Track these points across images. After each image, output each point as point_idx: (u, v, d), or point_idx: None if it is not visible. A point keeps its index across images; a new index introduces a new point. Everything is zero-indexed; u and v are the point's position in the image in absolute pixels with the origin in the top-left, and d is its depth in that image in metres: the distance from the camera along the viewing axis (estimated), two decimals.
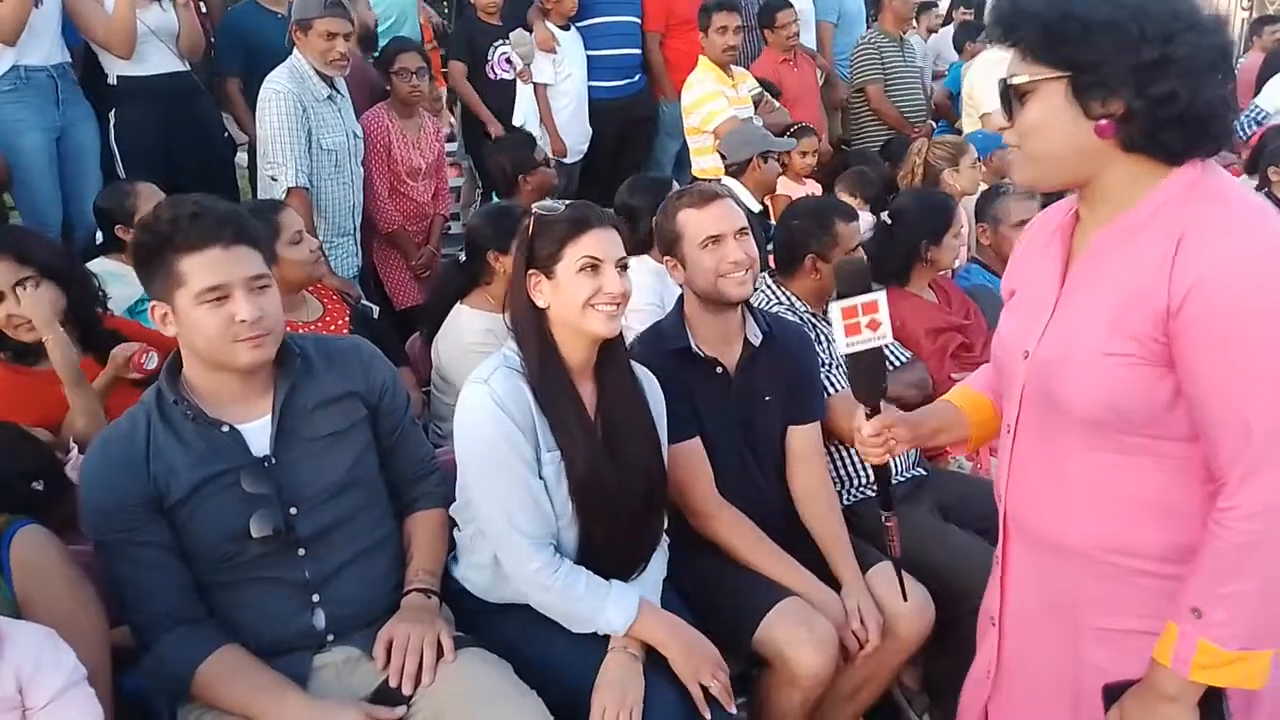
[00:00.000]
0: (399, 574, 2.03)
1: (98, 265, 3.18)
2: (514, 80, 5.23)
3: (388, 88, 4.41)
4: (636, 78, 5.62)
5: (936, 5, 8.82)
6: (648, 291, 3.16)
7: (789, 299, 2.78)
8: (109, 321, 2.70)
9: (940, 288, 3.38)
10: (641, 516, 2.05)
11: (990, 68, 5.44)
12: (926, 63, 7.16)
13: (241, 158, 5.03)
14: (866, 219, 3.44)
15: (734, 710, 1.97)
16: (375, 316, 3.52)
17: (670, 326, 2.39)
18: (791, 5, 5.56)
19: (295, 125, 3.69)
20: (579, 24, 5.37)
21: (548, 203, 2.05)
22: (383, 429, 2.05)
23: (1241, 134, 5.18)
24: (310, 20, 3.73)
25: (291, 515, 1.87)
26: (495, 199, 4.80)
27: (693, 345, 2.34)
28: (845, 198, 4.22)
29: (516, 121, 5.15)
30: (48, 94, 3.88)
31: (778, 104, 5.18)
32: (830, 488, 2.48)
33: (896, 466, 2.69)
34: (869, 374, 1.59)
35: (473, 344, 2.97)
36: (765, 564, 2.27)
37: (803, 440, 2.44)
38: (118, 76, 4.07)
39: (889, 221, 3.32)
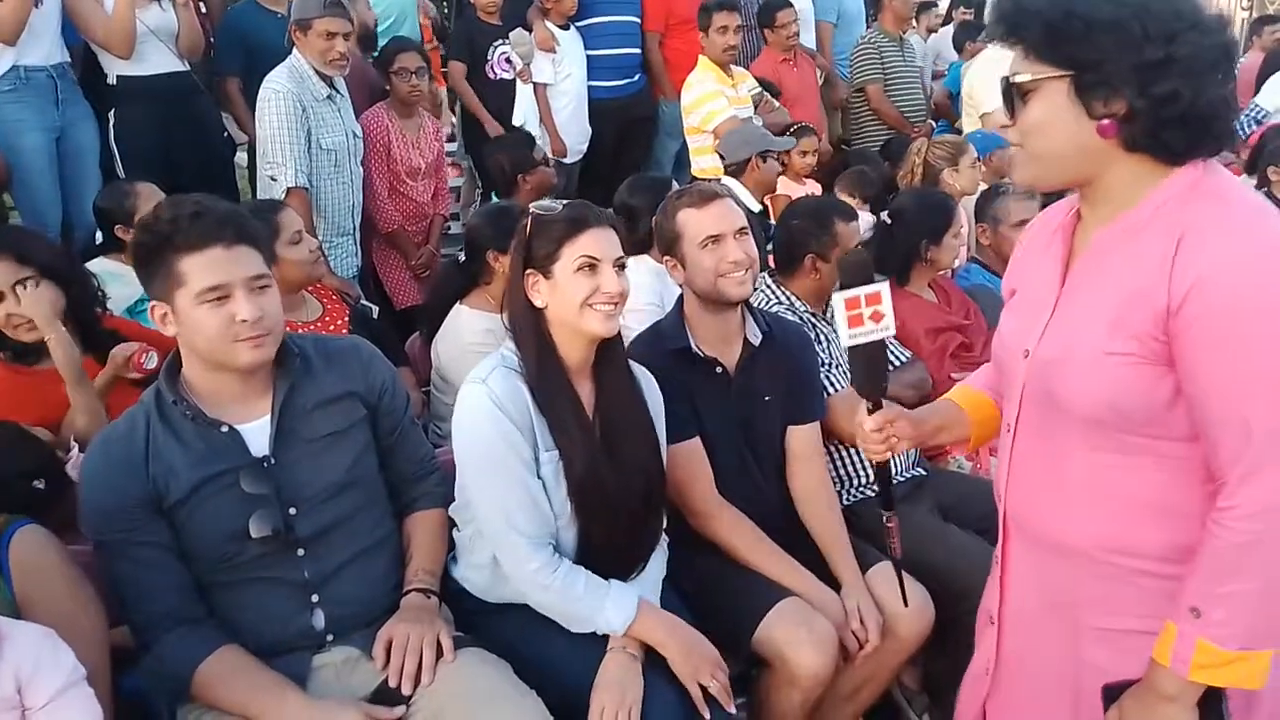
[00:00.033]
0: (398, 574, 2.03)
1: (97, 265, 3.18)
2: (514, 80, 5.24)
3: (387, 87, 4.41)
4: (636, 77, 5.62)
5: (936, 5, 8.81)
6: (647, 291, 3.16)
7: (789, 299, 2.78)
8: (108, 321, 2.70)
9: (940, 287, 3.39)
10: (640, 516, 2.05)
11: (990, 67, 5.44)
12: (926, 62, 7.16)
13: (241, 158, 5.03)
14: (866, 219, 3.44)
15: (733, 710, 1.97)
16: (375, 316, 3.52)
17: (670, 326, 2.39)
18: (791, 5, 5.56)
19: (295, 125, 3.69)
20: (578, 23, 5.37)
21: (545, 202, 2.05)
22: (382, 429, 2.05)
23: (1241, 133, 5.18)
24: (310, 20, 3.72)
25: (291, 515, 1.87)
26: (495, 199, 4.80)
27: (692, 345, 2.34)
28: (844, 198, 4.22)
29: (516, 121, 5.15)
30: (47, 94, 3.88)
31: (777, 104, 5.18)
32: (830, 488, 2.48)
33: (897, 466, 2.69)
34: (871, 367, 1.57)
35: (472, 344, 2.97)
36: (765, 564, 2.27)
37: (802, 440, 2.44)
38: (117, 76, 4.07)
39: (889, 221, 3.32)
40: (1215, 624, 1.31)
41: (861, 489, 2.67)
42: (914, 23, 7.38)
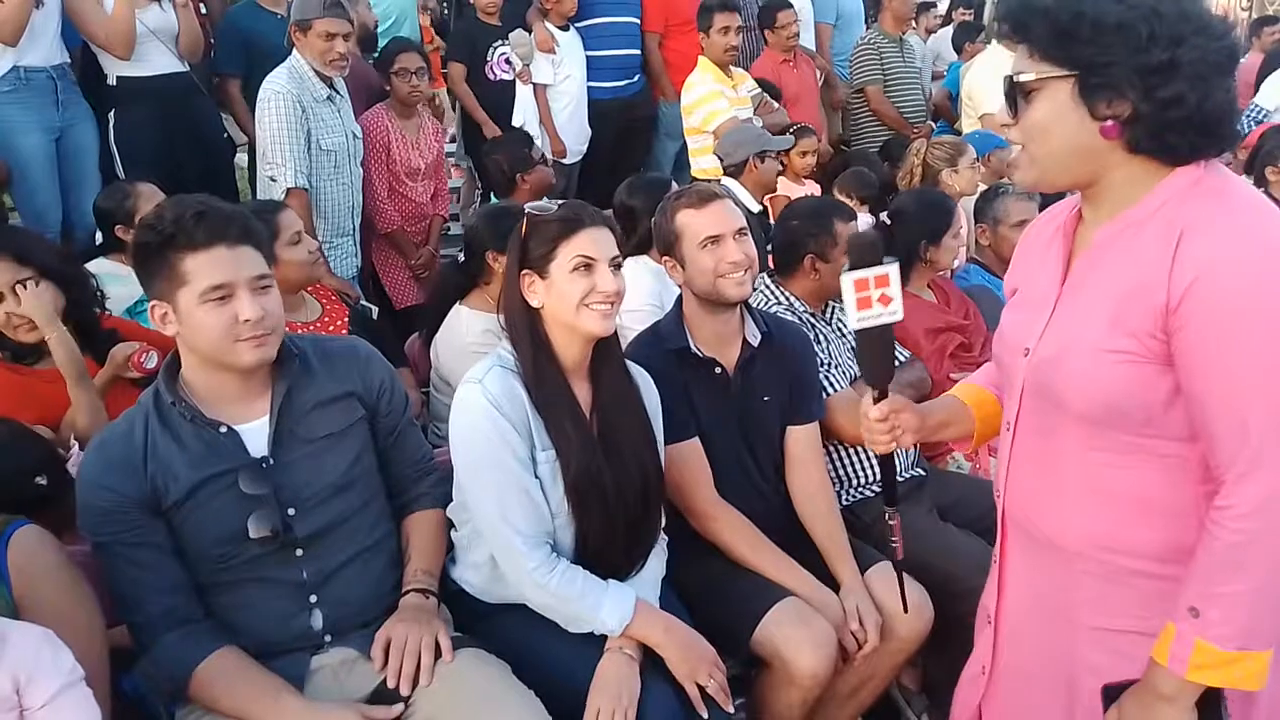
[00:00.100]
0: (397, 574, 2.03)
1: (97, 266, 3.19)
2: (513, 81, 5.24)
3: (387, 88, 4.41)
4: (636, 78, 5.62)
5: (935, 6, 8.82)
6: (646, 292, 3.16)
7: (788, 299, 2.78)
8: (107, 322, 2.71)
9: (939, 288, 3.39)
10: (638, 516, 2.05)
11: (989, 68, 5.45)
12: (926, 63, 7.16)
13: (241, 158, 5.03)
14: (865, 219, 3.44)
15: (731, 709, 1.97)
16: (374, 317, 3.52)
17: (669, 327, 2.39)
18: (791, 6, 5.56)
19: (294, 126, 3.69)
20: (578, 24, 5.37)
21: (540, 203, 2.05)
22: (381, 429, 2.05)
23: (1241, 133, 5.18)
24: (309, 21, 3.72)
25: (289, 516, 1.87)
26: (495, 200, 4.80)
27: (692, 345, 2.34)
28: (843, 198, 4.23)
29: (516, 122, 5.15)
30: (47, 95, 3.89)
31: (777, 105, 5.18)
32: (829, 488, 2.47)
33: (899, 463, 2.69)
34: (878, 352, 1.56)
35: (472, 344, 2.97)
36: (764, 564, 2.27)
37: (802, 440, 2.44)
38: (117, 77, 4.08)
39: (888, 222, 3.32)
40: (1213, 624, 1.31)
41: (861, 489, 2.67)
42: (913, 23, 7.38)
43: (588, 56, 5.40)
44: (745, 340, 2.37)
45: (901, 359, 3.02)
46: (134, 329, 2.74)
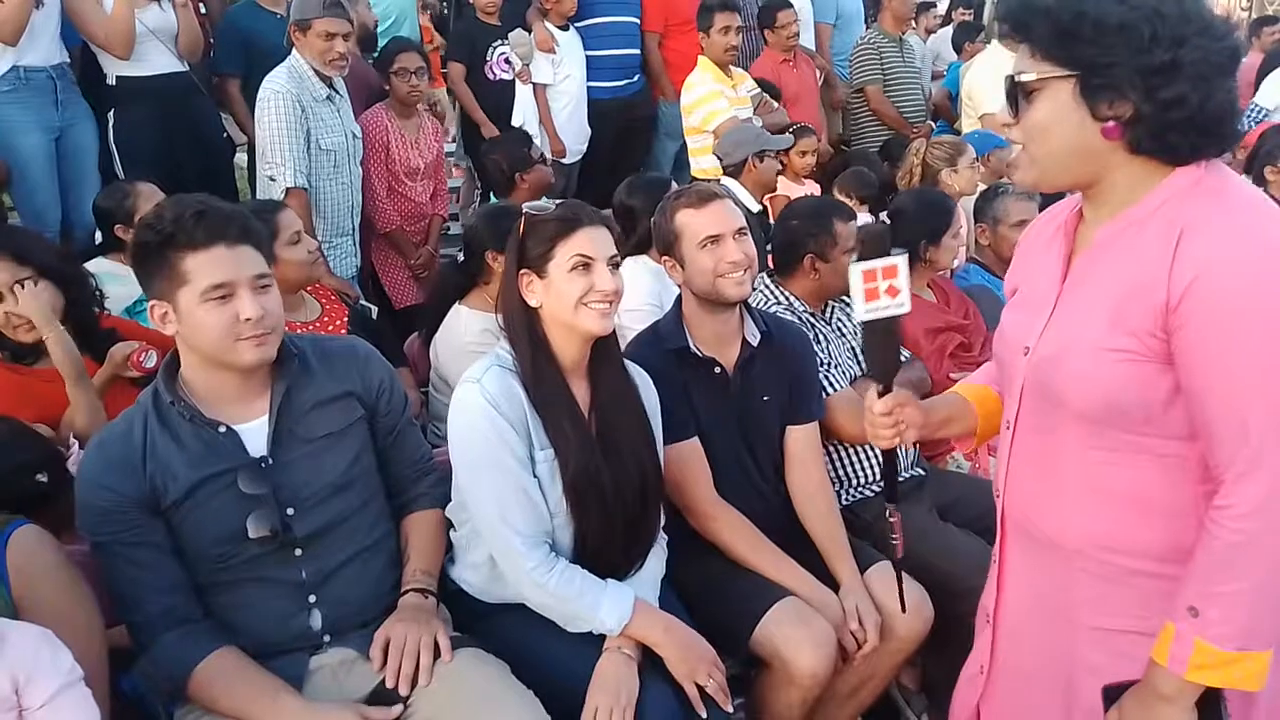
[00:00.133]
0: (396, 574, 2.03)
1: (96, 265, 3.19)
2: (513, 81, 5.23)
3: (386, 88, 4.41)
4: (635, 78, 5.62)
5: (935, 5, 8.82)
6: (646, 292, 3.16)
7: (787, 299, 2.78)
8: (106, 321, 2.71)
9: (939, 288, 3.39)
10: (636, 515, 2.05)
11: (989, 68, 5.44)
12: (925, 63, 7.16)
13: (240, 158, 5.03)
14: (864, 220, 3.44)
15: (730, 709, 1.97)
16: (374, 316, 3.52)
17: (668, 326, 2.39)
18: (791, 5, 5.56)
19: (294, 125, 3.69)
20: (578, 24, 5.37)
21: (538, 202, 2.05)
22: (380, 429, 2.05)
23: (1242, 133, 5.18)
24: (309, 20, 3.72)
25: (288, 516, 1.87)
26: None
27: (691, 345, 2.34)
28: (842, 198, 4.22)
29: (515, 122, 5.15)
30: (47, 94, 3.89)
31: (777, 105, 5.18)
32: (829, 488, 2.47)
33: (900, 460, 2.68)
34: (885, 345, 1.56)
35: (471, 344, 2.97)
36: (763, 564, 2.26)
37: (801, 440, 2.44)
38: (116, 77, 4.07)
39: (888, 222, 3.32)
40: (1212, 624, 1.31)
41: (860, 489, 2.67)
42: (913, 23, 7.38)
43: (587, 56, 5.40)
44: (745, 340, 2.37)
45: (901, 359, 3.02)
46: (133, 328, 2.75)
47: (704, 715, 1.93)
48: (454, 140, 5.85)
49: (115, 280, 2.99)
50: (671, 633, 1.98)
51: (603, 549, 2.02)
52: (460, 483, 2.03)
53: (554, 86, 5.30)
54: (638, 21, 5.54)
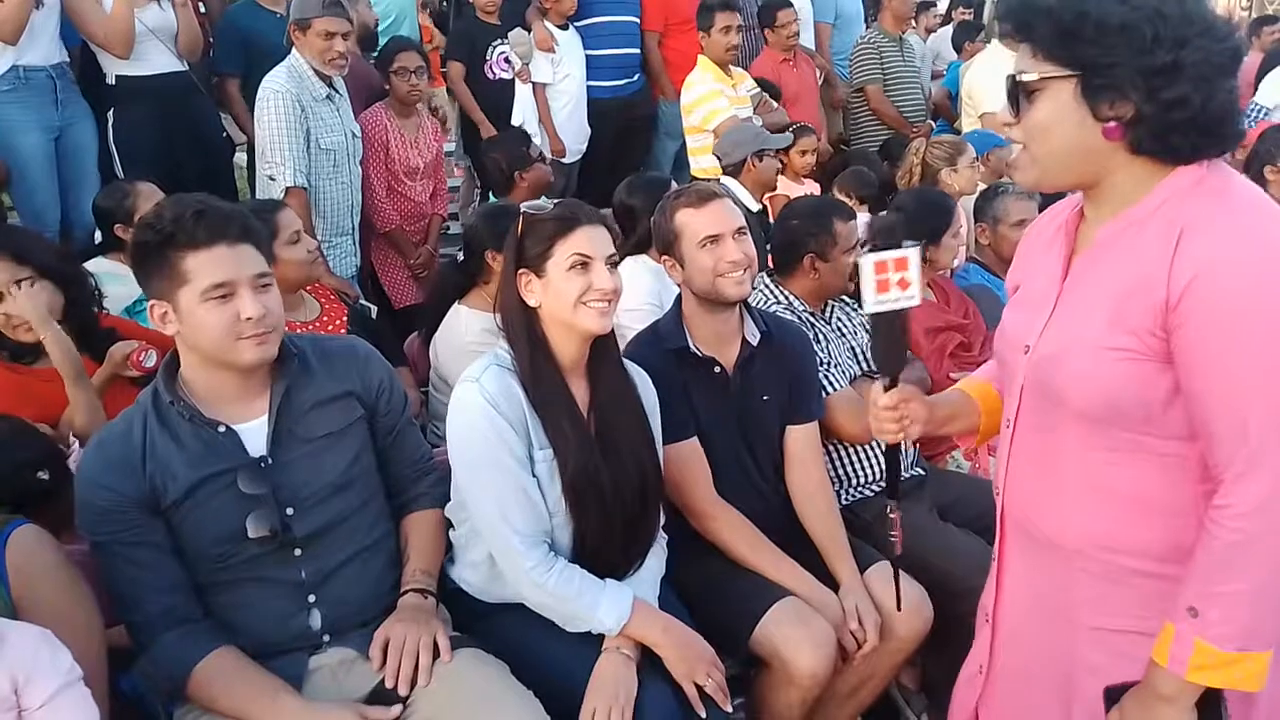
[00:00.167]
0: (395, 574, 2.03)
1: (95, 265, 3.19)
2: (513, 80, 5.23)
3: (386, 87, 4.41)
4: (635, 77, 5.62)
5: (935, 5, 8.82)
6: (645, 291, 3.16)
7: (787, 298, 2.78)
8: (106, 321, 2.71)
9: (939, 287, 3.39)
10: (635, 514, 2.05)
11: (989, 67, 5.44)
12: (925, 62, 7.15)
13: (240, 158, 5.03)
14: (864, 219, 3.44)
15: (730, 709, 1.97)
16: (373, 316, 3.52)
17: (668, 326, 2.39)
18: (792, 5, 5.56)
19: (294, 125, 3.69)
20: (578, 23, 5.37)
21: (536, 202, 2.06)
22: (380, 429, 2.05)
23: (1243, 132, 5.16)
24: (309, 19, 3.72)
25: (288, 516, 1.87)
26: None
27: (691, 345, 2.34)
28: (842, 198, 4.22)
29: (515, 121, 5.15)
30: (46, 94, 3.89)
31: (776, 104, 5.18)
32: (829, 488, 2.47)
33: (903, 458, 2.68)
34: (892, 338, 1.56)
35: (471, 344, 2.97)
36: (763, 564, 2.26)
37: (801, 440, 2.44)
38: (116, 76, 4.07)
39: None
40: (1212, 624, 1.31)
41: (860, 489, 2.67)
42: (913, 23, 7.38)
43: (587, 55, 5.40)
44: (744, 339, 2.37)
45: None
46: (132, 328, 2.75)
47: (703, 715, 1.93)
48: (454, 140, 5.85)
49: (115, 280, 2.99)
50: (670, 633, 1.98)
51: (601, 548, 2.02)
52: (459, 482, 2.03)
53: (554, 86, 5.30)
54: (637, 21, 5.54)
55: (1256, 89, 5.81)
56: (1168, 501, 1.40)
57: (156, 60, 4.11)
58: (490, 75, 5.25)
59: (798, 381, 2.43)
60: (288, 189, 3.68)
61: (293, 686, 1.82)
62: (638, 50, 5.58)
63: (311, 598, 1.91)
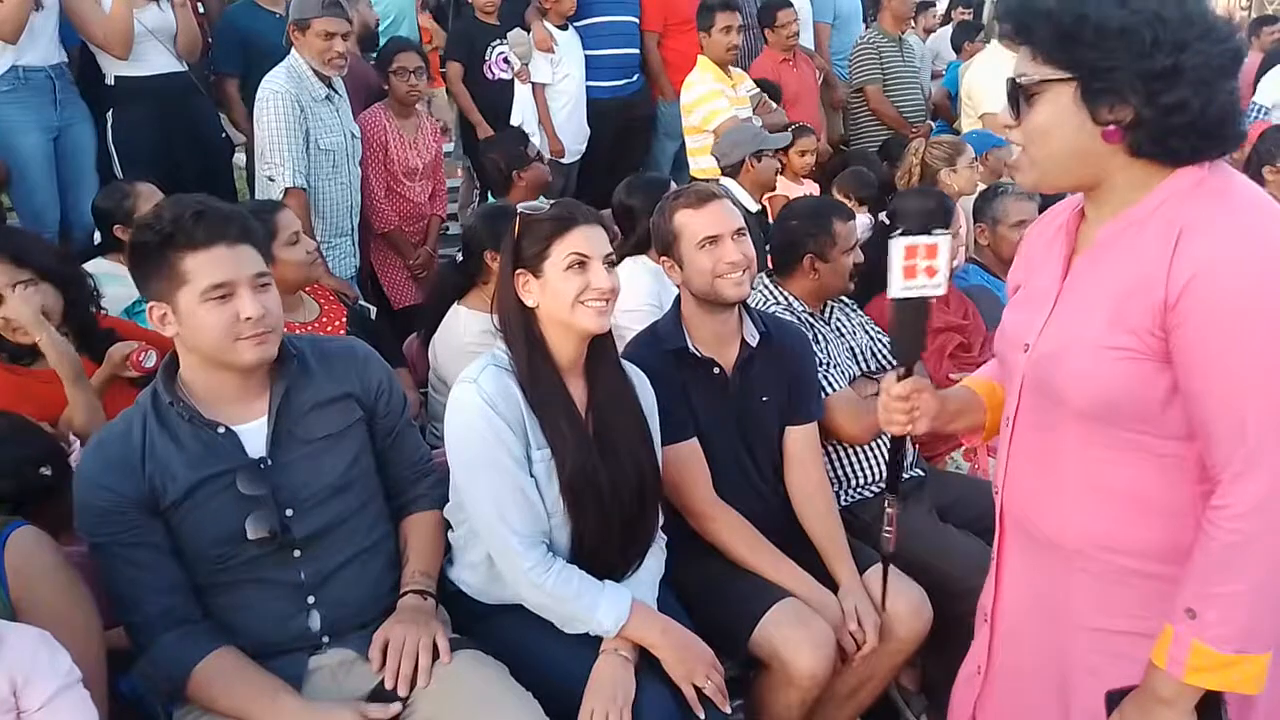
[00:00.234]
0: (395, 576, 2.03)
1: (95, 266, 3.19)
2: (512, 80, 5.23)
3: (386, 87, 4.41)
4: (635, 78, 5.62)
5: (935, 5, 8.82)
6: (645, 292, 3.16)
7: (786, 299, 2.78)
8: (105, 321, 2.70)
9: None
10: (634, 515, 2.05)
11: (988, 68, 5.44)
12: (925, 63, 7.16)
13: (239, 158, 5.03)
14: (863, 220, 3.44)
15: (728, 710, 1.97)
16: (372, 317, 3.52)
17: (667, 327, 2.39)
18: (792, 5, 5.56)
19: (293, 125, 3.69)
20: (577, 24, 5.37)
21: (532, 202, 2.06)
22: (379, 430, 2.05)
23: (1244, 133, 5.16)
24: (308, 20, 3.72)
25: (287, 517, 1.87)
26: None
27: (690, 346, 2.34)
28: (841, 198, 4.22)
29: (514, 122, 5.15)
30: (46, 94, 3.89)
31: (776, 105, 5.18)
32: (828, 488, 2.47)
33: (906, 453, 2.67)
34: (913, 326, 1.55)
35: (470, 344, 2.97)
36: (763, 565, 2.26)
37: (800, 441, 2.44)
38: (115, 77, 4.08)
39: (887, 222, 3.31)
40: (1210, 625, 1.30)
41: (860, 489, 2.67)
42: (912, 23, 7.38)
43: (586, 56, 5.40)
44: (744, 340, 2.37)
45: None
46: (132, 329, 2.74)
47: (702, 717, 1.93)
48: (453, 141, 5.84)
49: (114, 281, 2.99)
50: (669, 634, 1.98)
51: (600, 549, 2.02)
52: (457, 482, 2.03)
53: (553, 86, 5.30)
54: (637, 21, 5.54)
55: (1256, 89, 5.81)
56: (1166, 501, 1.40)
57: (155, 61, 4.12)
58: (489, 76, 5.25)
59: (797, 382, 2.43)
60: (287, 190, 3.68)
61: (292, 687, 1.82)
62: (637, 50, 5.58)
63: (311, 599, 1.91)
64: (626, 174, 3.98)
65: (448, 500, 2.13)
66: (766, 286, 2.83)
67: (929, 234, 1.48)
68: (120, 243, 3.27)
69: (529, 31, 5.20)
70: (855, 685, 2.31)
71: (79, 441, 2.29)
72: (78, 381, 2.43)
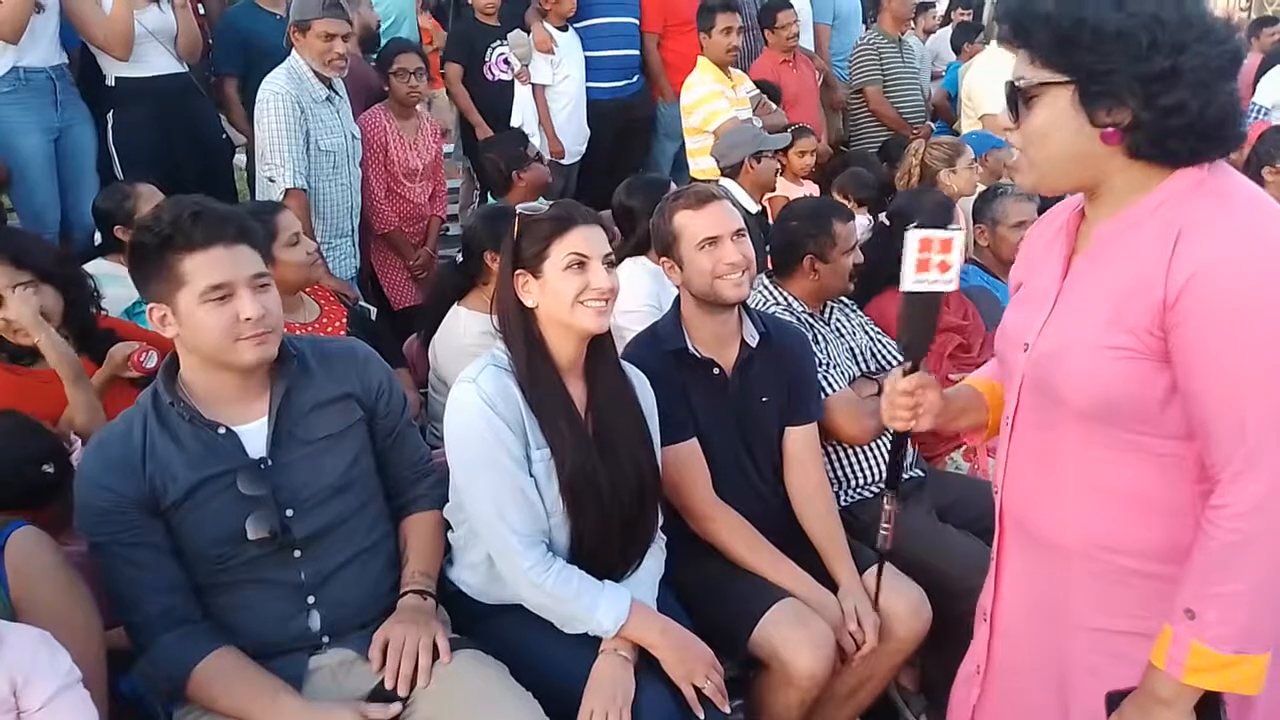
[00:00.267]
0: (395, 576, 2.03)
1: (95, 266, 3.19)
2: (512, 81, 5.23)
3: (386, 88, 4.41)
4: (635, 79, 5.62)
5: (934, 6, 8.83)
6: (645, 293, 3.16)
7: (786, 299, 2.78)
8: (105, 322, 2.71)
9: None
10: (633, 514, 2.05)
11: (988, 69, 5.44)
12: (924, 64, 7.16)
13: (240, 159, 5.04)
14: (863, 221, 3.44)
15: (728, 710, 1.97)
16: (372, 318, 3.52)
17: (667, 327, 2.39)
18: (792, 6, 5.56)
19: (293, 126, 3.69)
20: (577, 25, 5.37)
21: (531, 203, 2.06)
22: (379, 431, 2.05)
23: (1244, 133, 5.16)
24: (309, 21, 3.72)
25: (287, 517, 1.87)
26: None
27: (690, 346, 2.34)
28: (840, 199, 4.22)
29: (514, 123, 5.15)
30: (46, 95, 3.90)
31: (775, 106, 5.18)
32: (828, 489, 2.47)
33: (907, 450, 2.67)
34: (923, 321, 1.56)
35: (470, 345, 2.97)
36: (762, 565, 2.27)
37: (800, 441, 2.44)
38: (116, 78, 4.08)
39: (887, 223, 3.32)
40: (1209, 625, 1.30)
41: (859, 490, 2.67)
42: (912, 24, 7.38)
43: (586, 57, 5.40)
44: (743, 341, 2.37)
45: (900, 359, 3.02)
46: (131, 329, 2.75)
47: (701, 717, 1.93)
48: (453, 142, 5.84)
49: (115, 281, 2.99)
50: (668, 635, 1.98)
51: (599, 549, 2.02)
52: (457, 482, 2.03)
53: (553, 87, 5.30)
54: (636, 22, 5.54)
55: (1255, 90, 5.81)
56: (1166, 501, 1.40)
57: (156, 62, 4.12)
58: (489, 77, 5.25)
59: (796, 383, 2.43)
60: (287, 190, 3.68)
61: (292, 687, 1.83)
62: (637, 52, 5.58)
63: (311, 599, 1.91)
64: (626, 175, 3.98)
65: (447, 500, 2.13)
66: (766, 287, 2.83)
67: (944, 229, 1.48)
68: (121, 243, 3.27)
69: (529, 33, 5.20)
70: (855, 685, 2.31)
71: (80, 441, 2.30)
72: (78, 382, 2.43)
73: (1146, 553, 1.42)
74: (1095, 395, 1.39)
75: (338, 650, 1.92)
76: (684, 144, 5.21)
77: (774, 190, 4.38)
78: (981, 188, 4.21)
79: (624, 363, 2.14)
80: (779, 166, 4.37)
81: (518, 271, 1.99)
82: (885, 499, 1.71)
